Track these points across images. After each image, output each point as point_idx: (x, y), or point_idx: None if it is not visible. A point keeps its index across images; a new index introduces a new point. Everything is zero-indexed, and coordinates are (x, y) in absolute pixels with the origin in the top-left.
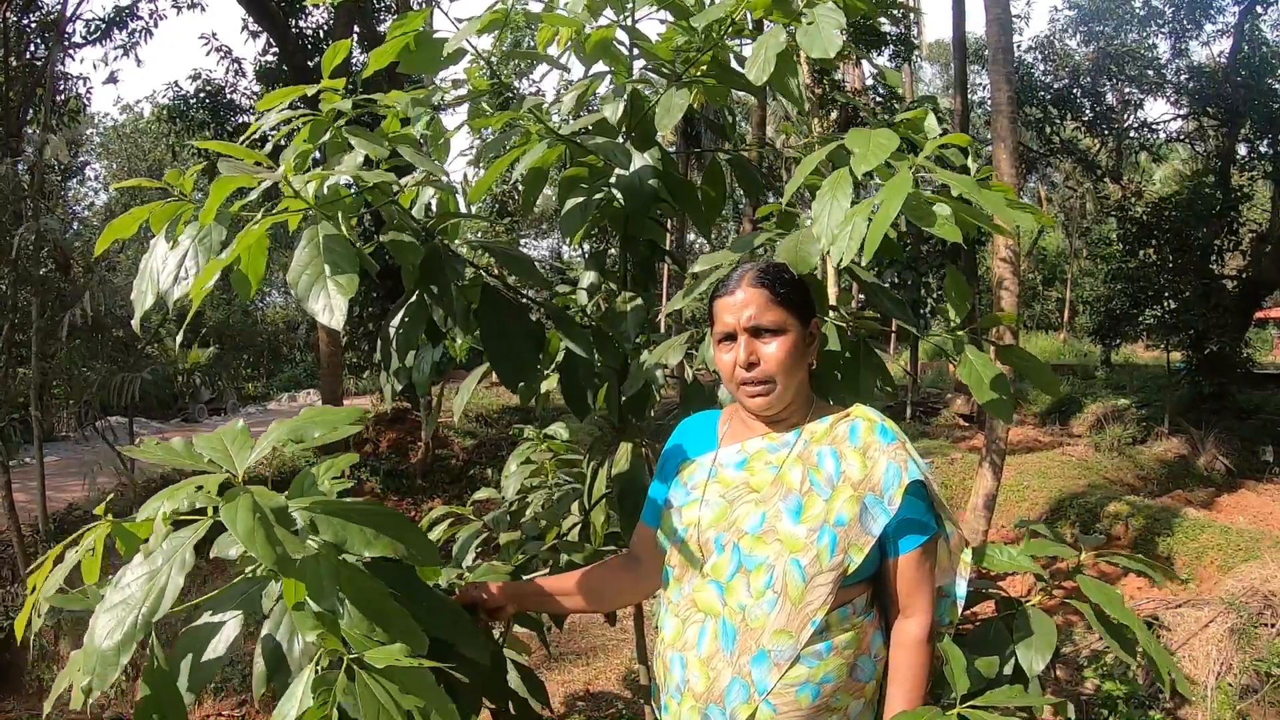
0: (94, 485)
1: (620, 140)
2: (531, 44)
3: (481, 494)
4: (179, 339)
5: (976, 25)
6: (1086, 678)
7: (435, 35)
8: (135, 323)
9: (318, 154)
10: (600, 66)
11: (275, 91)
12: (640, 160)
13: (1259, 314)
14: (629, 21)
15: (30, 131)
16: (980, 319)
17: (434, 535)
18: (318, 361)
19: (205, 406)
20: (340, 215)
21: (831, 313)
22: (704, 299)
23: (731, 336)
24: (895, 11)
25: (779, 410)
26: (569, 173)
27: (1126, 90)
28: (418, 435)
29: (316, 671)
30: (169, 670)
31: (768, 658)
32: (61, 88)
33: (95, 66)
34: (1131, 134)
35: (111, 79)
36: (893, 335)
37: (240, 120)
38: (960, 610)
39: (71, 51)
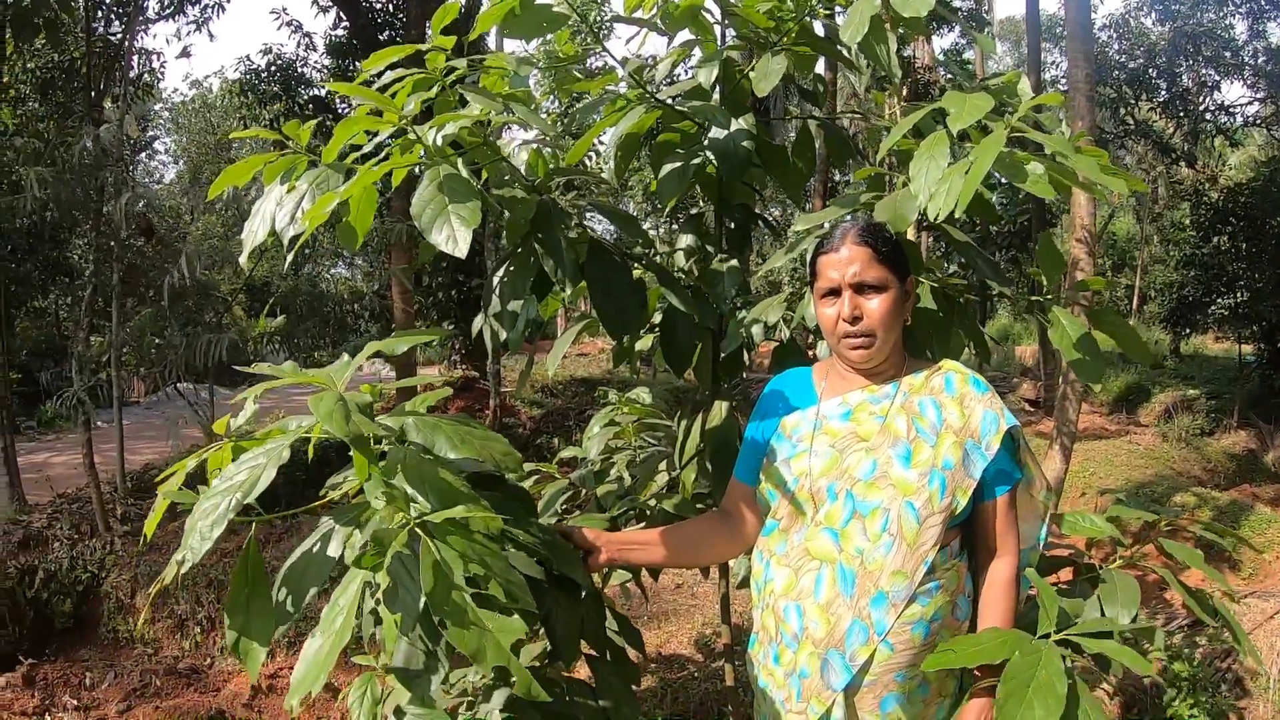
0: (176, 436)
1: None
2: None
3: (566, 453)
4: (269, 305)
5: (1049, 2)
6: (1157, 658)
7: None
8: (244, 258)
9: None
10: (686, 35)
11: (384, 50)
12: (735, 124)
13: None
14: None
15: (108, 106)
16: (1074, 285)
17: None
18: (384, 331)
19: None
20: (459, 159)
21: (925, 273)
22: (803, 258)
23: (835, 292)
24: None
25: (877, 363)
26: (663, 137)
27: (1203, 71)
28: (485, 404)
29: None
30: (261, 571)
31: (886, 599)
32: (136, 63)
33: (168, 41)
34: (1207, 117)
35: (185, 53)
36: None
37: (311, 94)
38: (1039, 554)
39: (146, 27)
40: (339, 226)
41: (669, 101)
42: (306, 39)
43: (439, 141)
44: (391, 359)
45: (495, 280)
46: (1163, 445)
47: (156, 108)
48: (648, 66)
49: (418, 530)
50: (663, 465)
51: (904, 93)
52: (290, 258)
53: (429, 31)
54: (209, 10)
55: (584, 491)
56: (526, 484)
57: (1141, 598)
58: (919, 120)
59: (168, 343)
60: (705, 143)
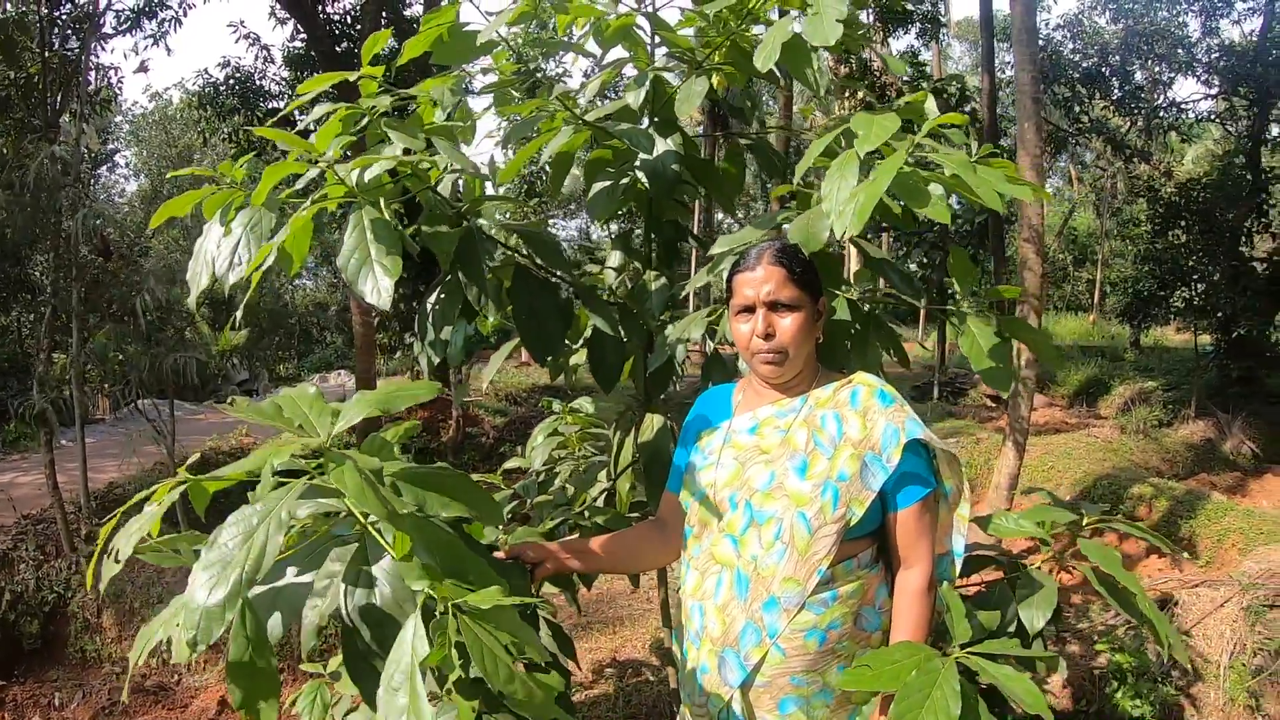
0: (132, 457)
1: (643, 125)
2: (556, 29)
3: (510, 464)
4: (231, 320)
5: (1004, 3)
6: (1100, 651)
7: (466, 28)
8: (191, 301)
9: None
10: (622, 53)
11: (315, 77)
12: (663, 145)
13: None
14: (649, 8)
15: (65, 121)
16: (987, 292)
17: None
18: (348, 343)
19: (237, 388)
20: (382, 200)
21: (844, 287)
22: (725, 276)
23: (749, 309)
24: None
25: (789, 378)
26: (595, 155)
27: (1156, 69)
28: (449, 414)
29: (430, 618)
30: (262, 632)
31: (778, 604)
32: (93, 78)
33: (125, 56)
34: (1160, 113)
35: (142, 68)
36: (921, 315)
37: (270, 106)
38: (959, 568)
39: (103, 42)
40: (278, 252)
41: (597, 123)
42: (264, 51)
43: (365, 179)
44: (355, 369)
45: (427, 307)
46: (1121, 438)
47: (117, 120)
48: (577, 89)
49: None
50: (601, 475)
51: (859, 96)
52: (239, 313)
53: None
54: (166, 24)
55: (528, 501)
56: None
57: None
58: (842, 133)
59: (130, 360)
60: (637, 162)
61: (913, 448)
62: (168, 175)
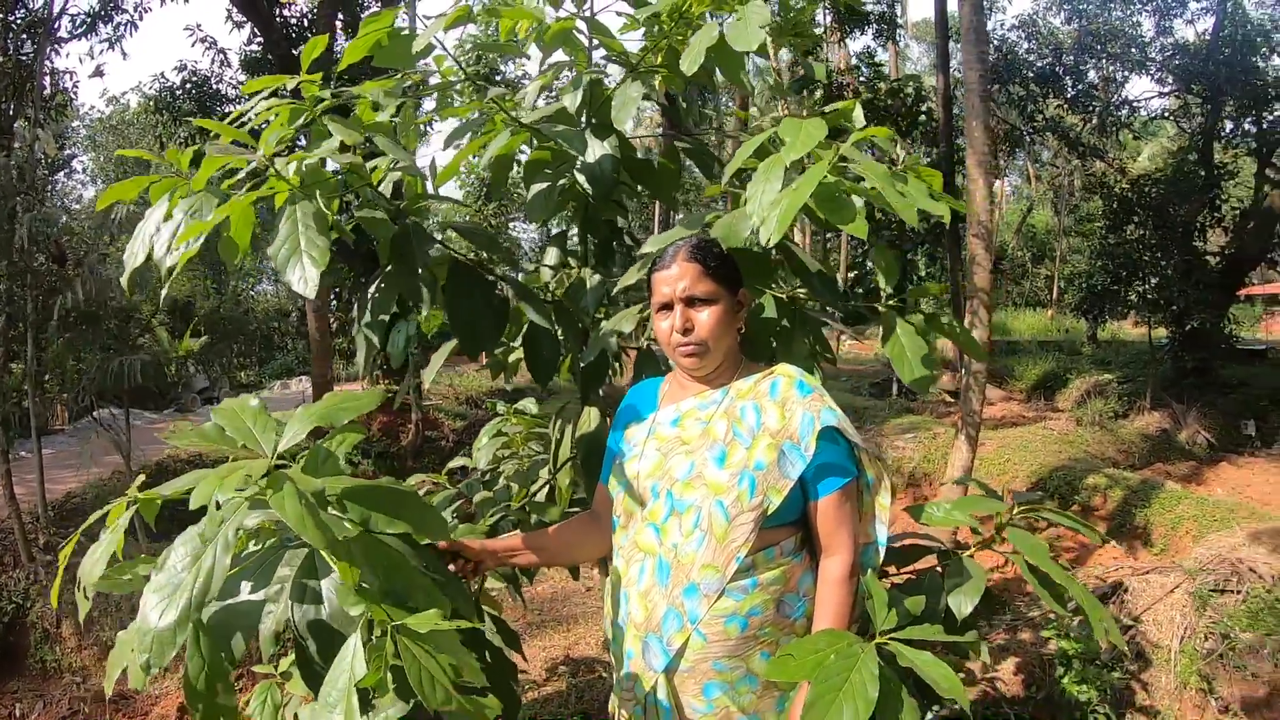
0: (90, 467)
1: (581, 128)
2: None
3: (455, 462)
4: (191, 326)
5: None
6: (1048, 638)
7: (405, 32)
8: (124, 279)
9: (303, 139)
10: (562, 56)
11: (259, 79)
12: (600, 148)
13: (1246, 291)
14: (588, 12)
15: (19, 127)
16: (911, 291)
17: None
18: (309, 348)
19: (198, 396)
20: (321, 196)
21: (772, 285)
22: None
23: (668, 306)
24: None
25: (710, 370)
26: (533, 157)
27: (1110, 68)
28: (408, 418)
29: (366, 639)
30: (217, 654)
31: (698, 590)
32: (48, 83)
33: (81, 61)
34: (1114, 111)
35: (98, 73)
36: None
37: (227, 110)
38: (882, 556)
39: (58, 47)
40: (220, 241)
41: (534, 125)
42: (221, 55)
43: (304, 170)
44: (311, 375)
45: (367, 295)
46: (1077, 430)
47: (74, 125)
48: (516, 89)
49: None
50: (543, 472)
51: (817, 95)
52: (166, 287)
53: (341, 44)
54: (122, 28)
55: (472, 500)
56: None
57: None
58: (772, 138)
59: (77, 370)
60: (577, 165)
61: (831, 436)
62: (115, 153)
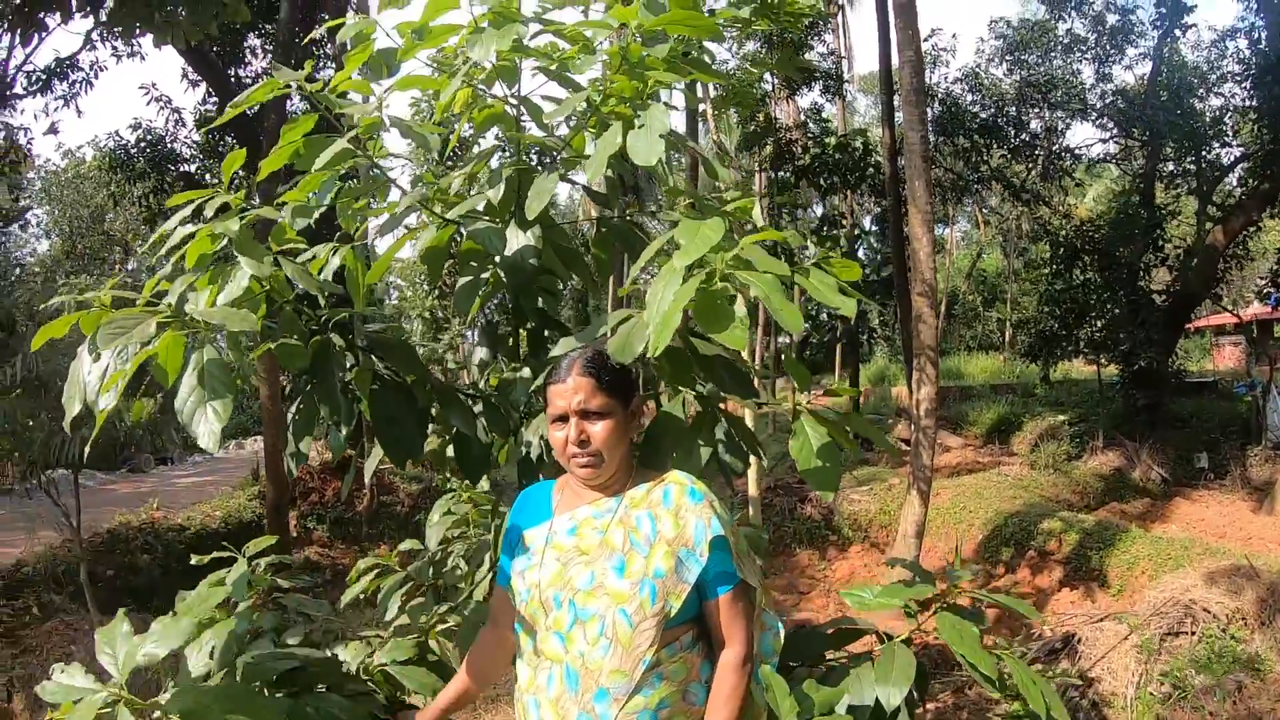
0: (34, 541)
1: (508, 217)
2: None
3: (405, 545)
4: (140, 387)
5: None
6: (996, 699)
7: (323, 137)
8: (66, 424)
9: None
10: (493, 140)
11: (182, 194)
12: (520, 240)
13: (1193, 324)
14: (516, 95)
15: None
16: (826, 391)
17: (360, 586)
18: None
19: (151, 456)
20: (228, 336)
21: (674, 392)
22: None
23: (564, 418)
24: (823, 50)
25: (605, 479)
26: (465, 247)
27: (1052, 116)
28: (362, 483)
29: None
30: None
31: (608, 694)
32: (1, 138)
33: (36, 117)
34: (1057, 159)
35: (52, 129)
36: (836, 359)
37: (180, 169)
38: (781, 639)
39: (13, 104)
40: (152, 366)
41: (457, 220)
42: (176, 114)
43: (221, 300)
44: (264, 442)
45: (289, 418)
46: (1032, 473)
47: (29, 176)
48: (431, 185)
49: None
50: (487, 559)
51: (766, 151)
52: (98, 429)
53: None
54: (77, 86)
55: (423, 585)
56: (367, 579)
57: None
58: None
59: (27, 435)
60: (497, 258)
61: (718, 543)
62: (39, 305)
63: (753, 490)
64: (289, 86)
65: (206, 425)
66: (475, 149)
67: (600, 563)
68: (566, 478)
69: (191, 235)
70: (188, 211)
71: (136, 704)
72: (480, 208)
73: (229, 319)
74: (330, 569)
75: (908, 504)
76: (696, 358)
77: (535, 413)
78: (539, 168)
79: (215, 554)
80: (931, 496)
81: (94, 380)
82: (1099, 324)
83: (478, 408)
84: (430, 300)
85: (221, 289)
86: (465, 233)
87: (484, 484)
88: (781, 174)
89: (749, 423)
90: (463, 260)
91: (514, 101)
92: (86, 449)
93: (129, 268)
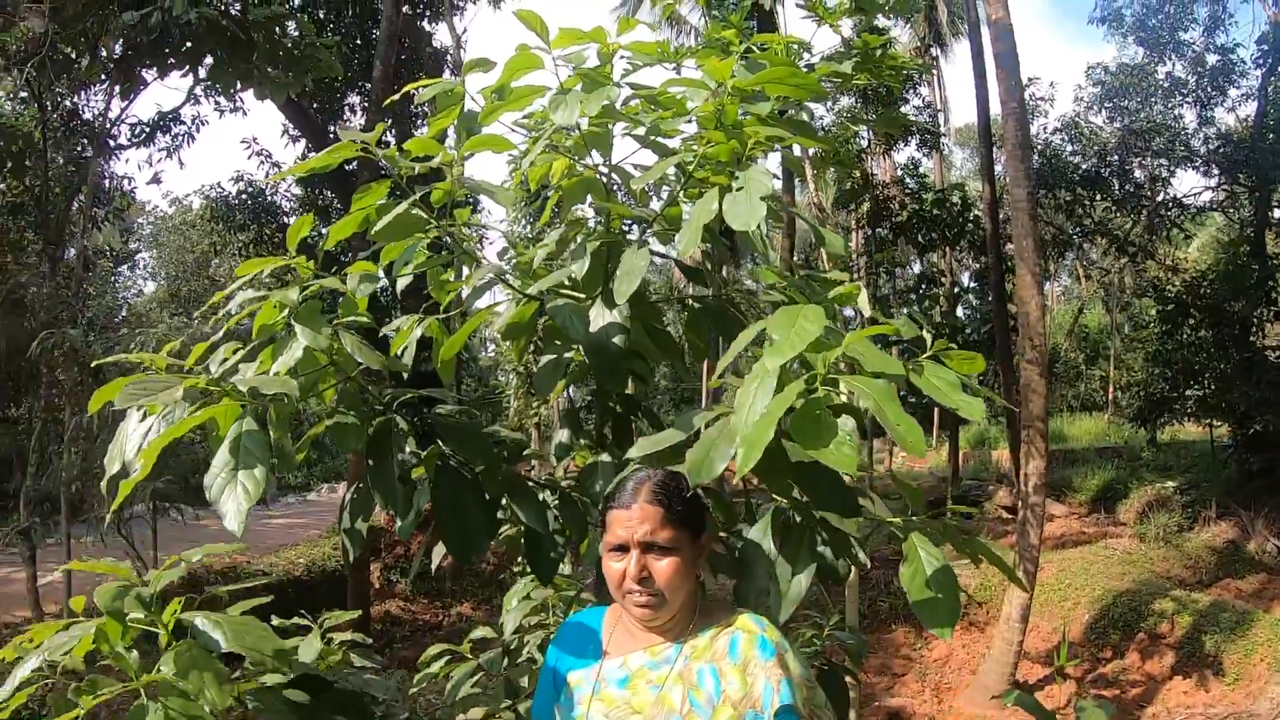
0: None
1: (595, 294)
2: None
3: (478, 633)
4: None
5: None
6: None
7: (393, 202)
8: (103, 485)
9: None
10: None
11: (251, 261)
12: (605, 318)
13: None
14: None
15: (73, 228)
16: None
17: (431, 670)
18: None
19: None
20: (276, 411)
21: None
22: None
23: (623, 548)
24: (918, 103)
25: (665, 621)
26: (547, 324)
27: (1154, 164)
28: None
29: None
30: None
31: None
32: (107, 185)
33: (140, 167)
34: (1162, 211)
35: (155, 179)
36: (935, 424)
37: (280, 221)
38: None
39: (117, 153)
40: (210, 438)
41: (539, 295)
42: (276, 168)
43: (274, 371)
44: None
45: (346, 499)
46: (1141, 547)
47: (139, 221)
48: (520, 254)
49: None
50: None
51: (864, 209)
52: (118, 501)
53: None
54: (179, 139)
55: (493, 673)
56: (437, 666)
57: None
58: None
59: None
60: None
61: (783, 713)
62: (92, 364)
63: (851, 577)
64: (363, 148)
65: (235, 503)
66: (553, 218)
67: None
68: (619, 610)
69: (255, 300)
70: (248, 279)
71: None
72: (566, 282)
73: (265, 385)
74: (410, 624)
75: (1011, 586)
76: (789, 466)
77: None
78: (629, 240)
79: (296, 619)
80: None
81: (135, 440)
82: (1210, 384)
83: (555, 499)
84: (529, 356)
85: (274, 359)
86: (546, 309)
87: (564, 567)
88: (879, 231)
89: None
90: (546, 338)
91: (604, 169)
92: (107, 516)
93: (204, 330)
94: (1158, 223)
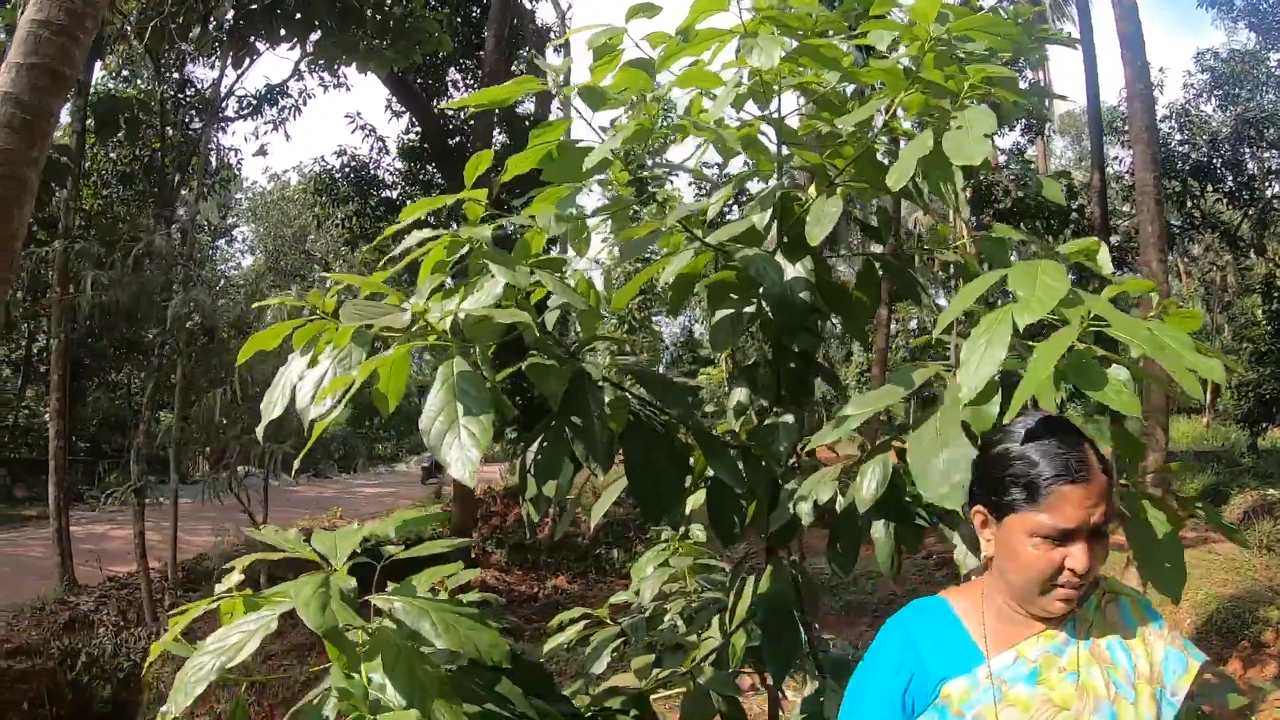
0: (221, 536)
1: (771, 247)
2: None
3: (618, 597)
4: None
5: (1108, 94)
6: None
7: (577, 145)
8: (259, 431)
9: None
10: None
11: (420, 201)
12: (791, 271)
13: None
14: (776, 114)
15: (185, 194)
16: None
17: (566, 635)
18: None
19: (336, 464)
20: (479, 351)
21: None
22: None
23: (1070, 535)
24: (1023, 87)
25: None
26: (717, 277)
27: (1265, 156)
28: (546, 511)
29: None
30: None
31: None
32: (214, 157)
33: (246, 139)
34: (1276, 205)
35: (261, 151)
36: None
37: (383, 195)
38: None
39: (225, 125)
40: (373, 392)
41: (720, 245)
42: (379, 143)
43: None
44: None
45: (529, 459)
46: (1244, 554)
47: (238, 196)
48: (698, 209)
49: None
50: (715, 621)
51: (968, 193)
52: (311, 443)
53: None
54: (286, 111)
55: (634, 641)
56: (575, 629)
57: None
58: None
59: (220, 431)
60: (761, 290)
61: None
62: (252, 306)
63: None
64: (545, 83)
65: (460, 451)
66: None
67: (1087, 718)
68: (971, 595)
69: (428, 240)
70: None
71: None
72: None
73: (499, 316)
74: (505, 594)
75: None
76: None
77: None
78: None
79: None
80: None
81: (307, 387)
82: None
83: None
84: (620, 332)
85: (464, 300)
86: (732, 260)
87: (700, 534)
88: (980, 217)
89: None
90: (717, 291)
91: (771, 121)
92: (296, 463)
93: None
94: (1269, 217)
